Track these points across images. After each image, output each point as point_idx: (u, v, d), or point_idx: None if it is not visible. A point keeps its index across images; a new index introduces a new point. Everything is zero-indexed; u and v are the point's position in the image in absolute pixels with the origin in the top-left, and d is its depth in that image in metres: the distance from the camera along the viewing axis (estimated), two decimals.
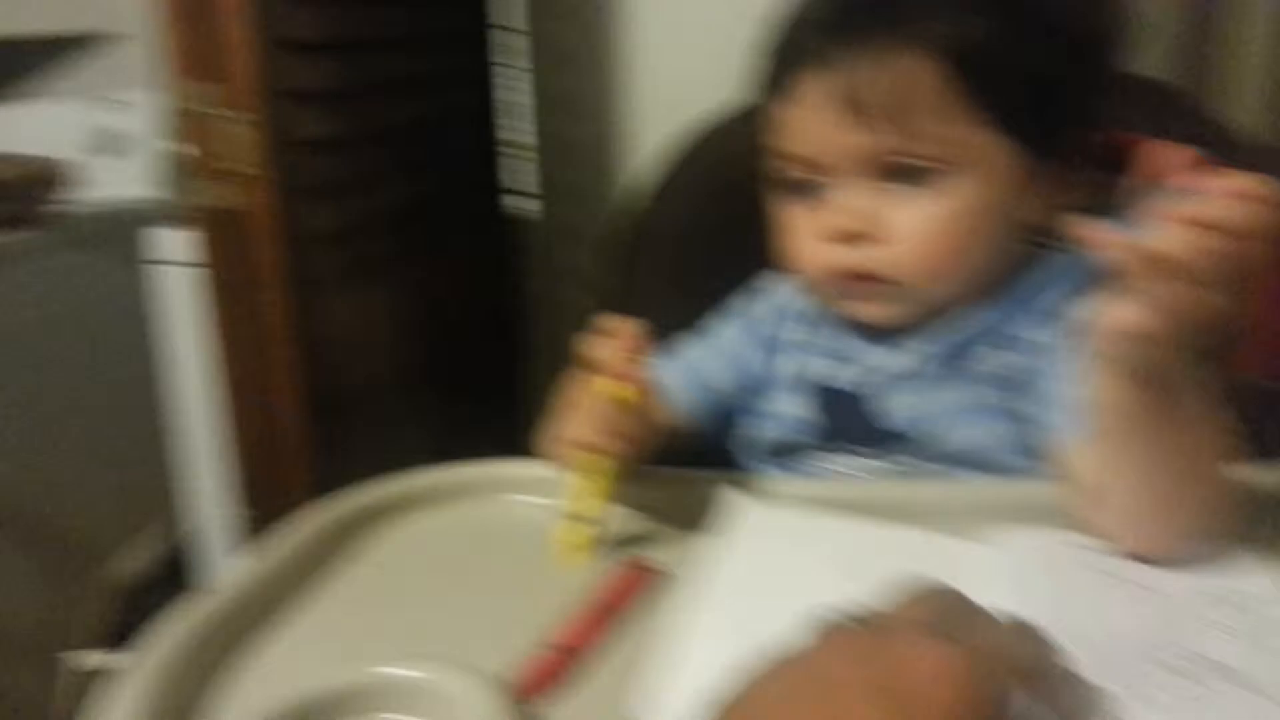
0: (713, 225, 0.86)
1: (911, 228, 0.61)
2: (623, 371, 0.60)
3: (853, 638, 0.35)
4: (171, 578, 1.54)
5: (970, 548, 0.54)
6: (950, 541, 0.55)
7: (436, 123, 1.32)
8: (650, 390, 0.63)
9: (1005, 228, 0.59)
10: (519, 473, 0.68)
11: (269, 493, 1.01)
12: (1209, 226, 0.41)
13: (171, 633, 0.49)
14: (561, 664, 0.48)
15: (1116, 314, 0.44)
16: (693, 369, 0.74)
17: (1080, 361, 0.53)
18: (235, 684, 0.49)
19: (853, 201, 0.62)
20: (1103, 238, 0.43)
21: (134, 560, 1.60)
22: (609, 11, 1.34)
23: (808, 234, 0.65)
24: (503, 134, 1.51)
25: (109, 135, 1.80)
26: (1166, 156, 0.44)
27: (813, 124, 0.62)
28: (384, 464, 0.70)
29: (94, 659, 1.35)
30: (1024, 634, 0.37)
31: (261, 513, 1.00)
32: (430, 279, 1.30)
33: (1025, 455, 0.62)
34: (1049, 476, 0.58)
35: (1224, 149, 0.78)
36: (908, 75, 0.58)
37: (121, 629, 1.48)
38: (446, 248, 1.36)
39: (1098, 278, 0.44)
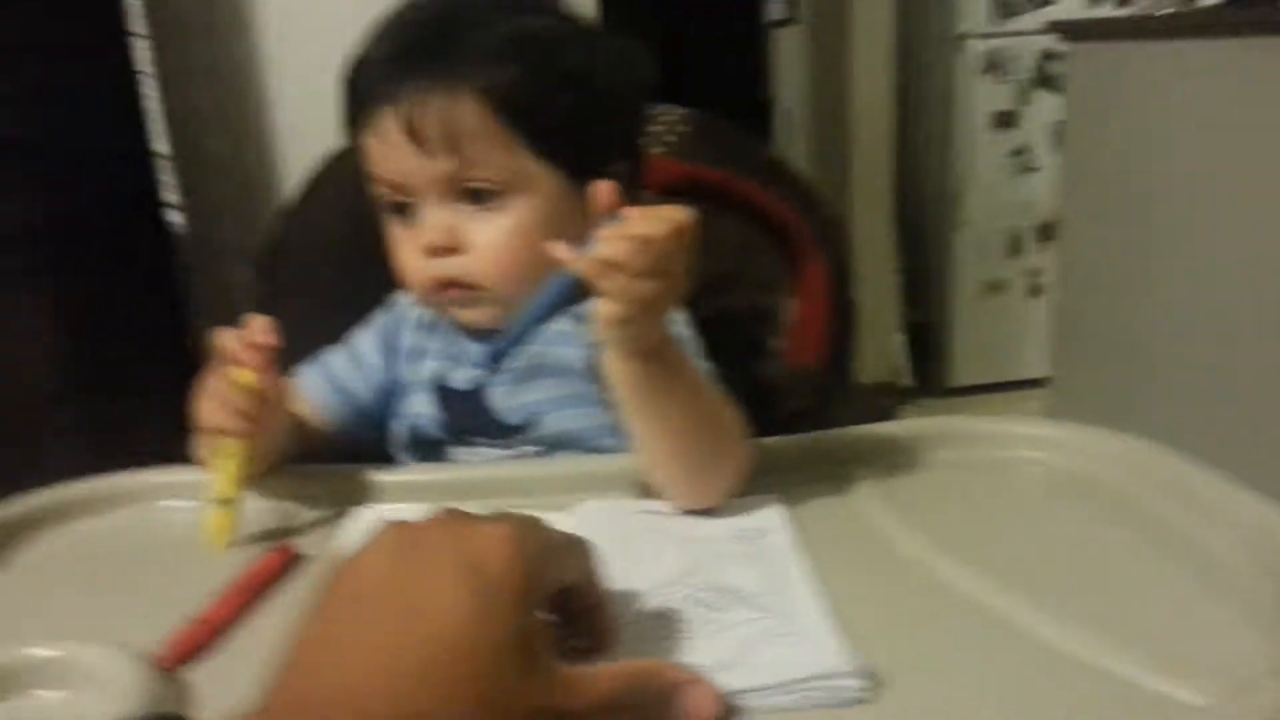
0: (347, 241, 0.94)
1: (483, 240, 0.72)
2: (241, 357, 0.67)
3: (442, 519, 0.44)
4: None
5: (552, 516, 0.66)
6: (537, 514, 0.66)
7: (74, 135, 1.29)
8: (271, 374, 0.69)
9: (563, 240, 0.68)
10: (173, 479, 0.73)
11: None
12: (627, 236, 0.57)
13: None
14: (204, 636, 0.54)
15: (596, 308, 0.59)
16: (330, 374, 0.82)
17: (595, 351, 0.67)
18: None
19: (436, 219, 0.72)
20: (564, 255, 0.58)
21: None
22: (239, 27, 1.37)
23: (409, 249, 0.74)
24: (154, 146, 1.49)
25: None
26: (607, 193, 0.59)
27: (389, 153, 0.71)
28: (34, 482, 0.72)
29: None
30: (575, 540, 0.48)
31: None
32: (83, 292, 1.27)
33: (617, 436, 0.74)
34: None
35: (767, 172, 0.98)
36: (456, 111, 0.69)
37: None
38: (101, 260, 1.33)
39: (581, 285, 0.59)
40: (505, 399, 0.78)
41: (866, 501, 0.67)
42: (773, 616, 0.53)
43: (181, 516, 0.71)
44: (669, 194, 0.92)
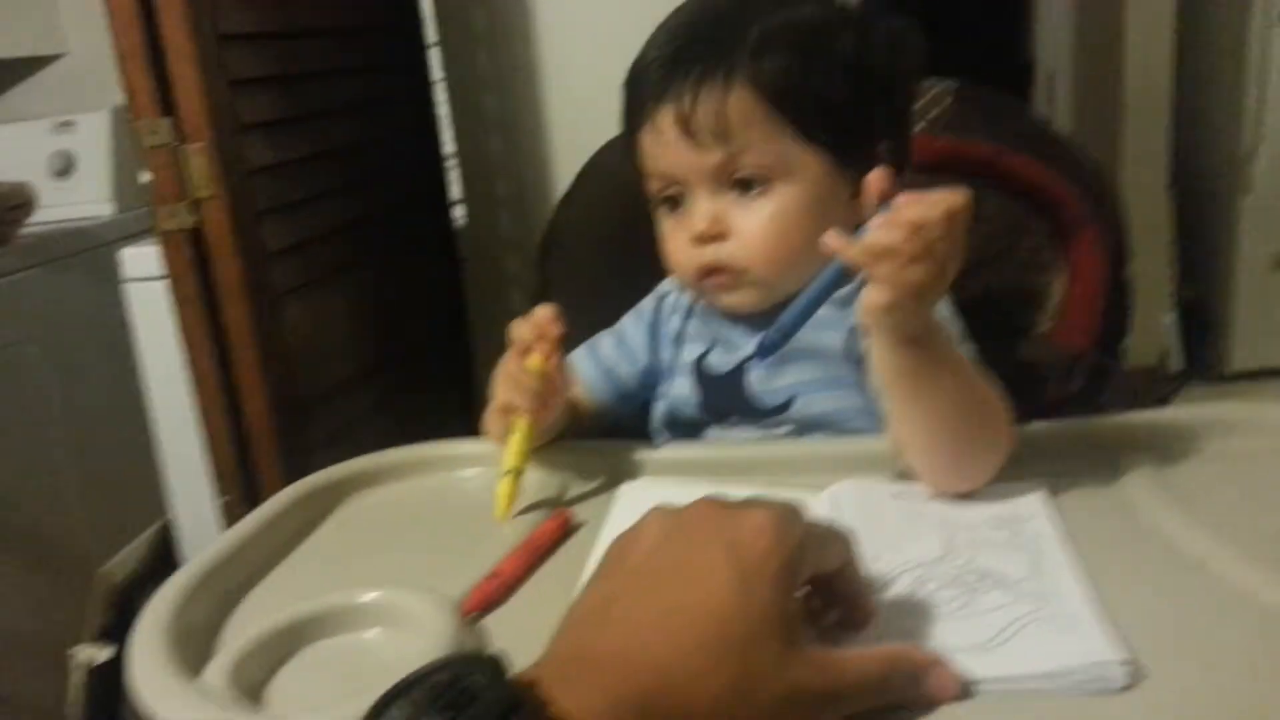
0: (614, 234, 1.00)
1: (750, 226, 0.75)
2: (530, 343, 0.74)
3: (709, 505, 0.47)
4: (162, 575, 1.65)
5: (806, 497, 0.66)
6: (792, 494, 0.68)
7: (379, 142, 1.44)
8: (557, 359, 0.75)
9: (826, 224, 0.68)
10: (465, 450, 0.82)
11: (244, 482, 1.13)
12: (900, 223, 0.58)
13: (178, 580, 0.62)
14: (499, 589, 0.61)
15: (865, 296, 0.60)
16: (599, 358, 0.88)
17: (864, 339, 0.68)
18: (234, 619, 0.62)
19: (704, 208, 0.75)
20: (836, 244, 0.59)
21: (126, 561, 1.69)
22: (521, 37, 1.47)
23: (677, 239, 0.78)
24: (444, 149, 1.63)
25: (65, 157, 1.87)
26: (880, 181, 0.60)
27: (664, 146, 0.75)
28: (346, 452, 0.83)
29: (95, 654, 1.43)
30: (835, 532, 0.50)
31: (237, 499, 1.13)
32: (382, 284, 1.42)
33: (871, 418, 0.76)
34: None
35: (1038, 144, 0.94)
36: (726, 103, 0.72)
37: (118, 627, 1.59)
38: (397, 256, 1.48)
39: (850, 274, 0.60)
40: (764, 381, 0.80)
41: (1139, 492, 0.64)
42: (1035, 601, 0.53)
43: (474, 483, 0.79)
44: (933, 171, 0.92)
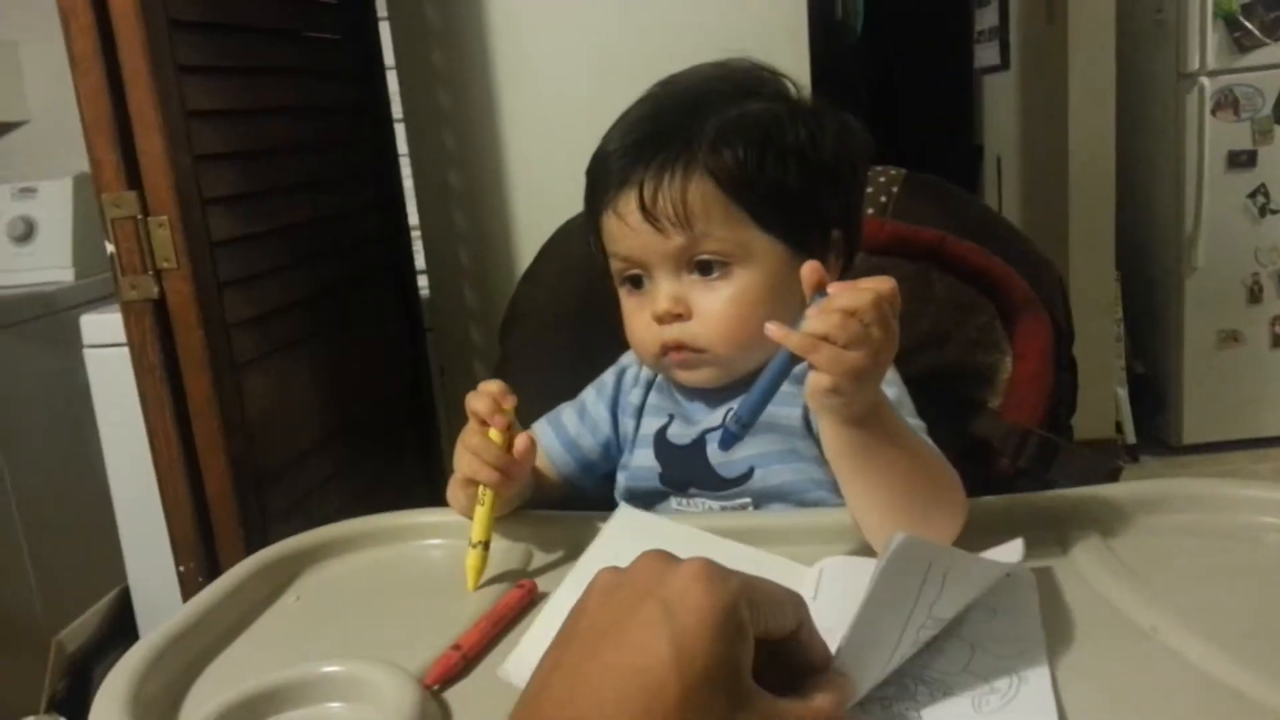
0: (574, 309, 1.02)
1: (711, 308, 0.77)
2: (487, 416, 0.76)
3: (649, 560, 0.47)
4: (118, 643, 1.61)
5: (793, 567, 0.69)
6: (786, 565, 0.69)
7: (343, 216, 1.46)
8: (515, 430, 0.77)
9: (783, 307, 0.74)
10: (427, 520, 0.82)
11: (203, 551, 1.12)
12: (831, 310, 0.61)
13: (138, 651, 0.62)
14: (461, 661, 0.61)
15: (808, 381, 0.62)
16: (562, 429, 0.89)
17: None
18: (194, 691, 0.61)
19: (666, 289, 0.78)
20: (777, 334, 0.62)
21: (83, 628, 1.65)
22: (488, 115, 1.52)
23: (640, 317, 0.80)
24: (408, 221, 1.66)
25: (26, 222, 1.87)
26: (812, 274, 0.63)
27: (626, 231, 0.77)
28: (308, 522, 0.83)
29: None
30: (786, 591, 0.49)
31: (197, 568, 1.11)
32: (344, 354, 1.43)
33: (830, 490, 0.78)
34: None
35: (981, 229, 0.98)
36: (688, 192, 0.75)
37: (72, 696, 1.54)
38: (358, 326, 1.49)
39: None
40: (722, 454, 0.82)
41: (1090, 566, 0.66)
42: (1006, 679, 0.53)
43: (436, 553, 0.79)
44: (883, 254, 0.95)
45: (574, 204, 0.89)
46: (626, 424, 0.88)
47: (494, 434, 0.76)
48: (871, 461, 0.66)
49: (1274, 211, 2.59)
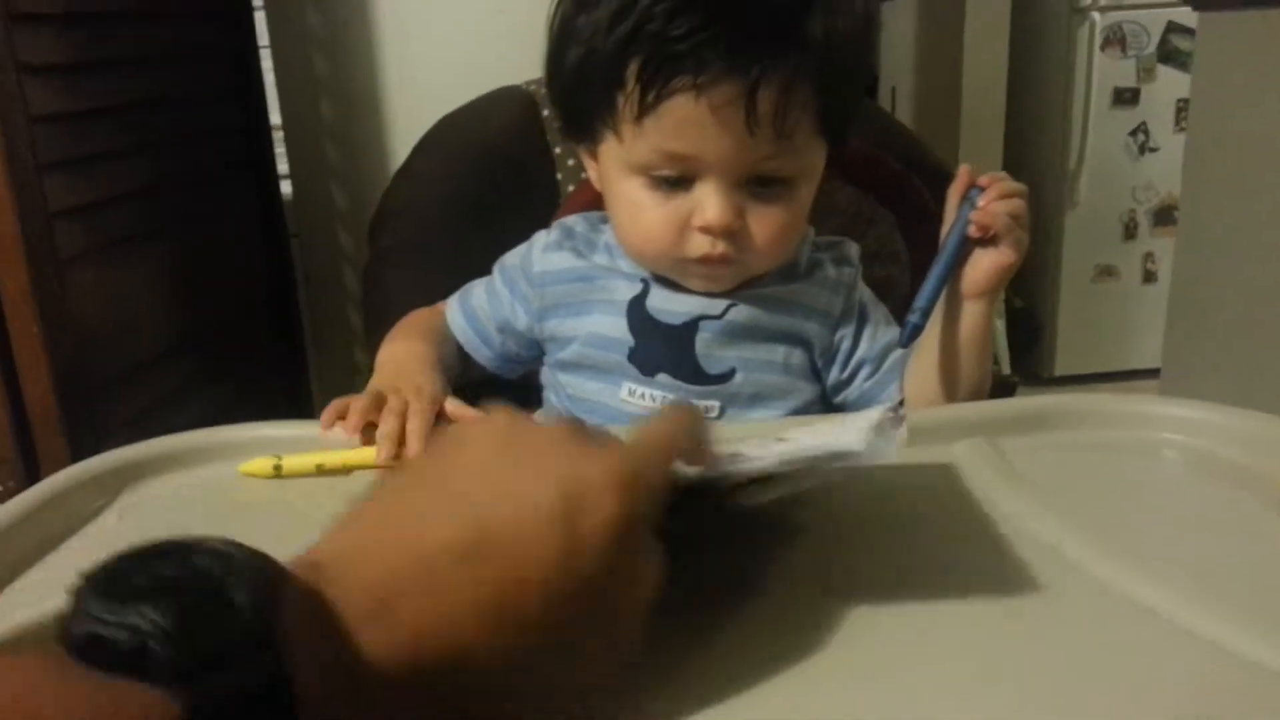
0: (454, 209, 0.94)
1: (763, 228, 0.71)
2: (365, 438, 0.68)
3: (564, 433, 0.40)
4: None
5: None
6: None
7: (189, 99, 1.32)
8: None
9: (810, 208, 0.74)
10: (275, 433, 0.72)
11: (26, 469, 1.01)
12: (1015, 193, 0.69)
13: None
14: None
15: (994, 258, 0.69)
16: (472, 312, 0.82)
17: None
18: None
19: (724, 201, 0.69)
20: (998, 222, 0.69)
21: None
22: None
23: (660, 216, 0.71)
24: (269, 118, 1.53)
25: None
26: (970, 174, 0.70)
27: (706, 125, 0.65)
28: (147, 433, 0.73)
29: None
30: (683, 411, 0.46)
31: (18, 487, 1.00)
32: (192, 256, 1.30)
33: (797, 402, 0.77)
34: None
35: (887, 138, 0.94)
36: (792, 95, 0.65)
37: None
38: (208, 225, 1.36)
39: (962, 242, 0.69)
40: (712, 345, 0.76)
41: (990, 481, 0.63)
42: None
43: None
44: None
45: (454, 95, 0.80)
46: (555, 291, 0.79)
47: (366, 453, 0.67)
48: (987, 343, 0.73)
49: (1153, 150, 2.65)
